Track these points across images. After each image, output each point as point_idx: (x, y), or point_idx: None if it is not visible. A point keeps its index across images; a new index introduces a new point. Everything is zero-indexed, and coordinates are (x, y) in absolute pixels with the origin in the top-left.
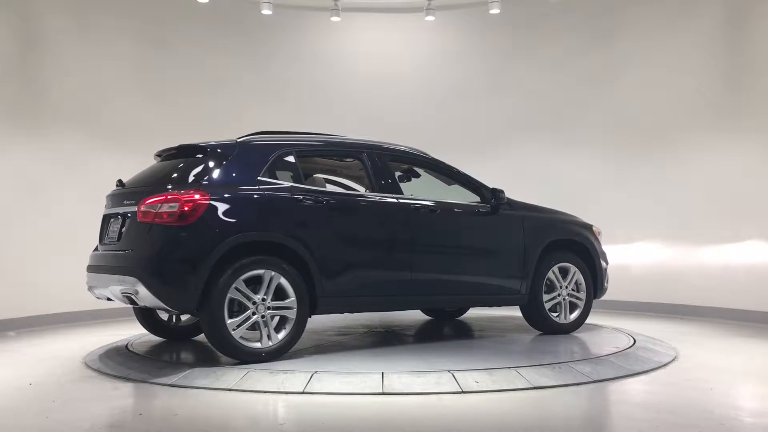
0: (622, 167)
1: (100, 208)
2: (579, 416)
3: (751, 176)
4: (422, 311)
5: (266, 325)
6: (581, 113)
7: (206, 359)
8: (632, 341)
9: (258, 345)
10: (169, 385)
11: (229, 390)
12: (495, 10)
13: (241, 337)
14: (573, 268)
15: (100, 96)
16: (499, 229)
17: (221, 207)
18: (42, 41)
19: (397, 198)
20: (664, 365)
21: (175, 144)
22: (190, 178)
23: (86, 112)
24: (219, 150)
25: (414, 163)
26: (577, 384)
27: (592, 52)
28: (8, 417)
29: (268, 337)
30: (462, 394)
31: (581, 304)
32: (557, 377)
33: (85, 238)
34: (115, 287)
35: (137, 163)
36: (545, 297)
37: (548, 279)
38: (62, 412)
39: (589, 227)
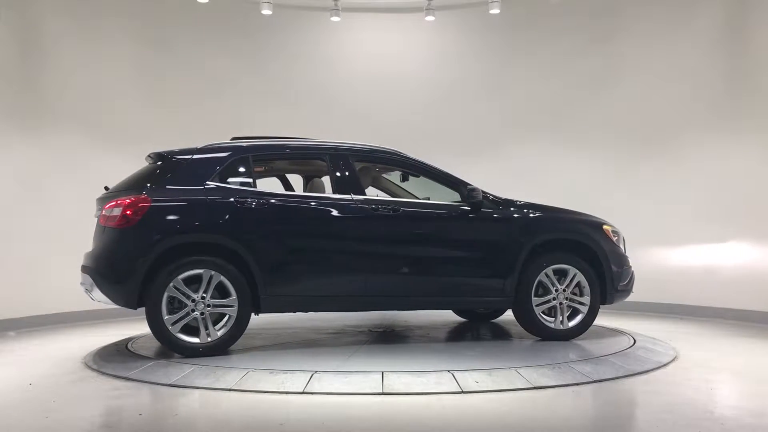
0: (622, 167)
1: None
2: (579, 416)
3: (751, 176)
4: (454, 312)
5: (205, 322)
6: (581, 113)
7: (206, 359)
8: (632, 341)
9: (197, 340)
10: (169, 385)
11: (229, 390)
12: (495, 10)
13: (180, 331)
14: (573, 270)
15: (100, 96)
16: (475, 228)
17: (162, 210)
18: (42, 42)
19: (352, 198)
20: (664, 365)
21: (174, 144)
22: (146, 184)
23: (86, 113)
24: (176, 156)
25: (383, 161)
26: (577, 384)
27: (592, 52)
28: (8, 417)
29: (207, 333)
30: (462, 394)
31: (584, 309)
32: (557, 377)
33: (85, 238)
34: (82, 285)
35: (137, 164)
36: (537, 300)
37: (541, 281)
38: (62, 412)
39: (597, 226)
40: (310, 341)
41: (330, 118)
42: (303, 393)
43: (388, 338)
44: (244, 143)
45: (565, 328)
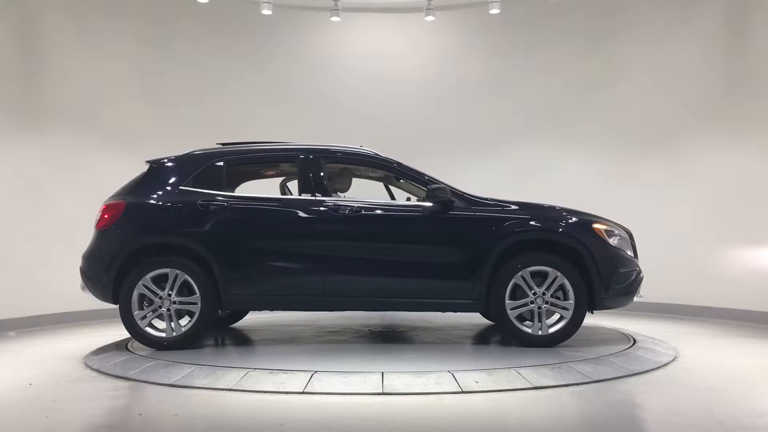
0: (621, 167)
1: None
2: (579, 416)
3: (750, 177)
4: (481, 315)
5: (171, 317)
6: (581, 113)
7: (206, 359)
8: (632, 341)
9: (162, 334)
10: (169, 385)
11: (229, 390)
12: (495, 10)
13: (149, 326)
14: (554, 273)
15: (100, 96)
16: (439, 229)
17: (133, 214)
18: (42, 41)
19: (312, 199)
20: (664, 365)
21: (173, 144)
22: (130, 189)
23: (86, 112)
24: (159, 163)
25: (355, 162)
26: (577, 384)
27: (592, 52)
28: (8, 417)
29: (172, 328)
30: (462, 394)
31: (567, 314)
32: (557, 377)
33: (85, 238)
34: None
35: (137, 164)
36: (511, 304)
37: (517, 284)
38: (62, 412)
39: (585, 225)
40: (310, 341)
41: (330, 118)
42: (303, 393)
43: (388, 338)
44: (219, 150)
45: (544, 334)
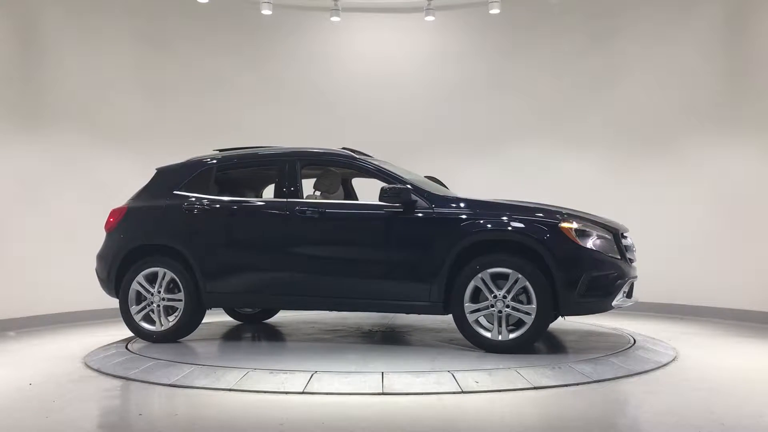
0: (622, 167)
1: (100, 208)
2: (579, 416)
3: (751, 176)
4: None
5: (159, 313)
6: (581, 113)
7: (206, 359)
8: (632, 341)
9: (153, 328)
10: (169, 385)
11: (229, 390)
12: (495, 10)
13: (143, 320)
14: (515, 275)
15: (100, 96)
16: (397, 230)
17: (131, 218)
18: (42, 41)
19: (282, 201)
20: (664, 365)
21: (172, 143)
22: (136, 195)
23: (86, 112)
24: (162, 170)
25: (334, 163)
26: (577, 384)
27: (592, 52)
28: (8, 417)
29: (160, 323)
30: (462, 394)
31: (529, 319)
32: (557, 377)
33: (85, 238)
34: None
35: (136, 163)
36: (471, 307)
37: (478, 287)
38: (62, 412)
39: (549, 226)
40: (310, 341)
41: (329, 118)
42: (303, 393)
43: (388, 338)
44: (209, 156)
45: (504, 339)
